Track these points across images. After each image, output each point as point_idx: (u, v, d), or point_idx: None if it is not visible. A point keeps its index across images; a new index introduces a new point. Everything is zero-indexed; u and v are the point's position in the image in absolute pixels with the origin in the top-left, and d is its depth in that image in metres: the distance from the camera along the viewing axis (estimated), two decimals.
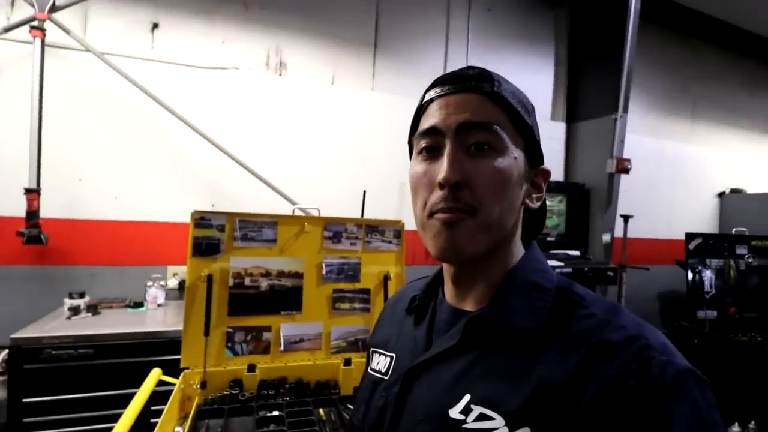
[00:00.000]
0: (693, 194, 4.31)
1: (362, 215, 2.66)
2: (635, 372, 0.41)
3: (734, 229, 3.17)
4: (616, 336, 0.44)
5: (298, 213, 1.80)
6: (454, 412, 0.48)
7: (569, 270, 2.90)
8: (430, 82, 0.58)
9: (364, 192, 2.62)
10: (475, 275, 0.56)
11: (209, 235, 1.52)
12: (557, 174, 3.66)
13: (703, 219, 4.37)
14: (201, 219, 1.51)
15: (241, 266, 1.54)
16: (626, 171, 3.23)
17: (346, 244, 1.67)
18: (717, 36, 4.29)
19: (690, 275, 2.63)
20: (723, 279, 2.67)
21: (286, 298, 1.58)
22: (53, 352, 1.77)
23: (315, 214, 1.80)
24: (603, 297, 0.52)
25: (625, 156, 3.27)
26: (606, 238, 3.31)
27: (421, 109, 0.58)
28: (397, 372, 0.59)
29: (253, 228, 1.57)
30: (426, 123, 0.55)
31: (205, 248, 1.51)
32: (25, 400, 1.73)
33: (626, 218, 3.23)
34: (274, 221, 1.58)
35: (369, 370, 0.67)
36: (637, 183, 3.75)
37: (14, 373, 1.74)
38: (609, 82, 3.32)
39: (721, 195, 4.44)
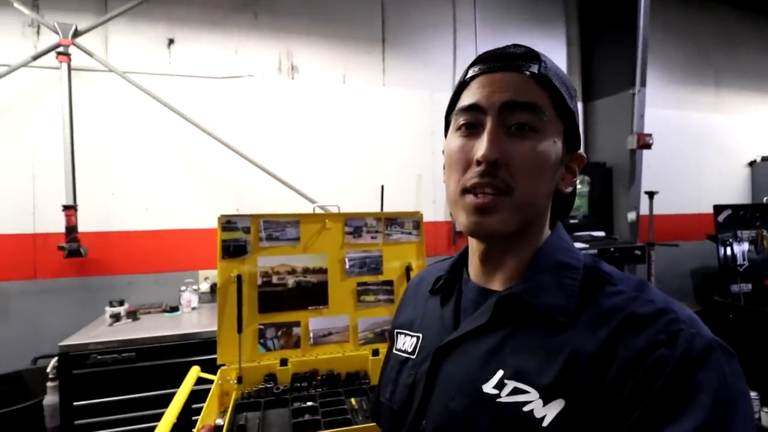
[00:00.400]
0: (722, 165, 4.16)
1: (381, 209, 2.69)
2: (664, 342, 0.41)
3: (765, 198, 3.04)
4: (645, 309, 0.45)
5: (318, 211, 1.85)
6: (488, 387, 0.49)
7: (594, 251, 2.86)
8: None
9: (382, 186, 2.65)
10: (503, 254, 0.56)
11: (236, 237, 1.58)
12: None
13: (735, 190, 4.22)
14: (227, 223, 1.57)
15: (268, 265, 1.59)
16: (648, 146, 3.15)
17: (366, 238, 1.71)
18: None
19: (721, 249, 2.55)
20: (756, 250, 2.58)
21: (312, 293, 1.63)
22: (99, 357, 1.88)
23: (335, 211, 1.84)
24: (630, 274, 0.53)
25: (647, 131, 3.19)
26: (631, 216, 3.24)
27: (463, 86, 0.57)
28: (425, 351, 0.60)
29: (277, 228, 1.62)
30: (468, 99, 0.54)
31: (233, 250, 1.57)
32: (75, 403, 1.86)
33: (651, 195, 3.16)
34: (296, 220, 1.63)
35: (394, 351, 0.68)
36: (661, 158, 3.65)
37: (64, 379, 1.87)
38: (624, 57, 3.24)
39: (752, 164, 4.27)
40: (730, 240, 2.55)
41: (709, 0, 4.09)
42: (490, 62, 0.55)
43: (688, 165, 3.99)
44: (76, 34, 2.34)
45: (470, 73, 0.56)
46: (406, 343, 0.66)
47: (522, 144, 0.51)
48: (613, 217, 3.41)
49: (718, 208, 2.63)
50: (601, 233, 3.27)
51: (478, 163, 0.51)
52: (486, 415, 0.48)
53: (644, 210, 3.26)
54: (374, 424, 1.19)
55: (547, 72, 0.54)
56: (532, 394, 0.45)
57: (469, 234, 0.54)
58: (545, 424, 0.44)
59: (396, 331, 0.71)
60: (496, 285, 0.57)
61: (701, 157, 4.05)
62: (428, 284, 0.69)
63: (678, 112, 3.95)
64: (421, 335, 0.64)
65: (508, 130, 0.51)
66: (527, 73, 0.53)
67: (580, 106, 3.64)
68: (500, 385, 0.48)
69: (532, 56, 0.55)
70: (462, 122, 0.54)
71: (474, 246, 0.60)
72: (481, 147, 0.51)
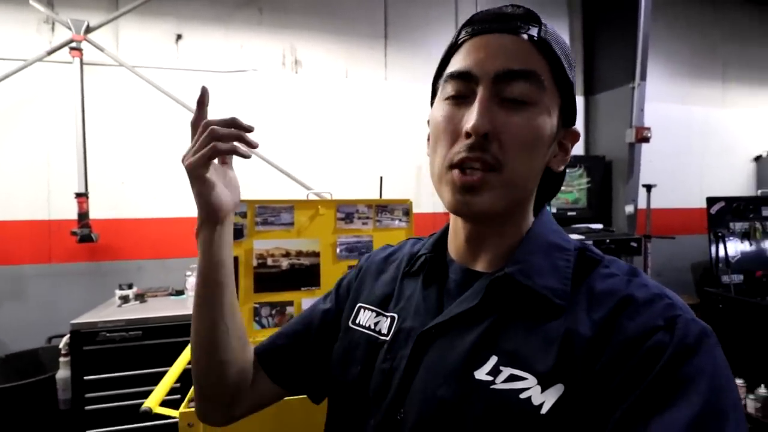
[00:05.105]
0: (727, 160, 4.13)
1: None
2: (662, 327, 0.41)
3: (759, 191, 3.03)
4: (641, 293, 0.44)
5: (312, 198, 1.94)
6: (481, 374, 0.46)
7: (590, 242, 2.89)
8: None
9: (381, 178, 2.73)
10: (490, 234, 0.53)
11: (234, 221, 1.68)
12: (577, 148, 3.62)
13: (739, 185, 4.18)
14: None
15: (263, 248, 1.69)
16: (646, 140, 3.17)
17: (358, 224, 1.79)
18: None
19: (713, 240, 2.58)
20: (749, 242, 2.59)
21: (305, 275, 1.72)
22: (107, 334, 2.00)
23: (328, 198, 1.92)
24: (619, 259, 0.51)
25: (651, 125, 3.20)
26: (629, 209, 3.26)
27: (454, 48, 0.52)
28: (404, 334, 0.54)
29: (272, 213, 1.71)
30: (458, 65, 0.49)
31: None
32: (86, 377, 1.98)
33: (649, 188, 3.18)
34: (290, 206, 1.72)
35: (351, 325, 0.62)
36: (665, 152, 3.66)
37: (75, 355, 1.99)
38: (626, 51, 3.25)
39: (757, 159, 4.23)
40: (722, 232, 2.57)
41: None
42: (484, 23, 0.49)
43: (691, 159, 3.98)
44: (88, 30, 2.45)
45: (462, 35, 0.51)
46: (379, 323, 0.59)
47: (515, 116, 0.47)
48: (611, 210, 3.44)
49: (711, 200, 2.64)
50: (599, 226, 3.30)
51: (468, 135, 0.46)
52: (478, 403, 0.45)
53: (643, 204, 3.28)
54: None
55: (548, 36, 0.49)
56: (530, 381, 0.43)
57: (455, 213, 0.52)
58: (543, 411, 0.41)
59: (359, 305, 0.64)
60: (481, 266, 0.54)
61: (705, 152, 4.03)
62: (402, 263, 0.64)
63: (682, 107, 3.94)
64: (396, 316, 0.58)
65: (501, 100, 0.47)
66: (525, 36, 0.48)
67: (581, 100, 3.66)
68: (495, 372, 0.45)
69: (532, 18, 0.49)
70: (450, 91, 0.50)
71: (459, 225, 0.56)
72: (470, 118, 0.46)
